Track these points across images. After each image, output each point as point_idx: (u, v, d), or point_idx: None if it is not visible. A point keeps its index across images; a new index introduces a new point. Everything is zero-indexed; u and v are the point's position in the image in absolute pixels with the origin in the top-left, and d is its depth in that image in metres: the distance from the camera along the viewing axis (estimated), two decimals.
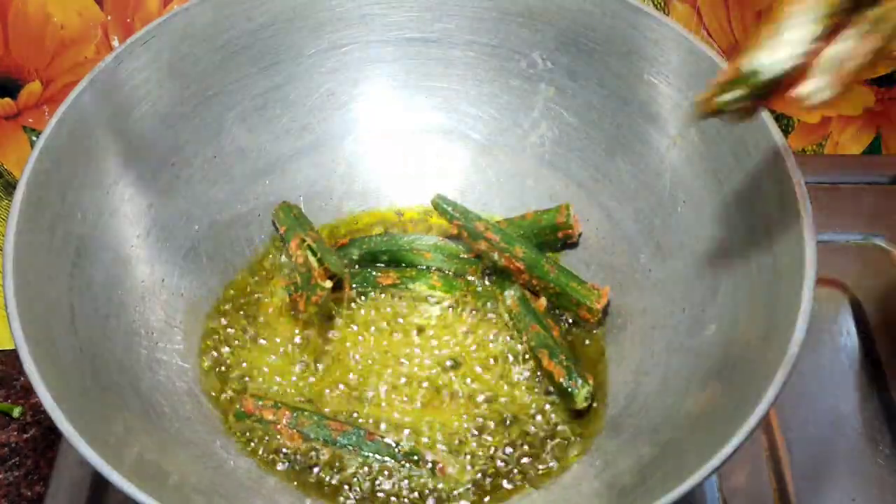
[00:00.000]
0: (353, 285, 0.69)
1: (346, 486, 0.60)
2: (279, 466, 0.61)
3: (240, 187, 0.72)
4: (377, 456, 0.61)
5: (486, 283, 0.70)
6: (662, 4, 0.82)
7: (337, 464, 0.61)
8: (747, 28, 0.84)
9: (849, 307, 0.76)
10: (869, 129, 0.92)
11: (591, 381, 0.64)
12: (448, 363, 0.66)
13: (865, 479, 0.67)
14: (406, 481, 0.60)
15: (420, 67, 0.73)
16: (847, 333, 0.75)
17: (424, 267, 0.71)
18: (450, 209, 0.69)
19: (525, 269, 0.68)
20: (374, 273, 0.70)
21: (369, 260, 0.72)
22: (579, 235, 0.72)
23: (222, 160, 0.71)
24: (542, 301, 0.69)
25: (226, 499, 0.58)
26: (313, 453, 0.62)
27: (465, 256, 0.70)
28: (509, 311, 0.68)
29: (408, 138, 0.75)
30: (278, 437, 0.62)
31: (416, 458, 0.61)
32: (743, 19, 0.83)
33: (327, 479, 0.61)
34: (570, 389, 0.63)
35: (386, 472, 0.61)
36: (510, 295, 0.68)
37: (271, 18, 0.69)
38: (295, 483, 0.61)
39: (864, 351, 0.74)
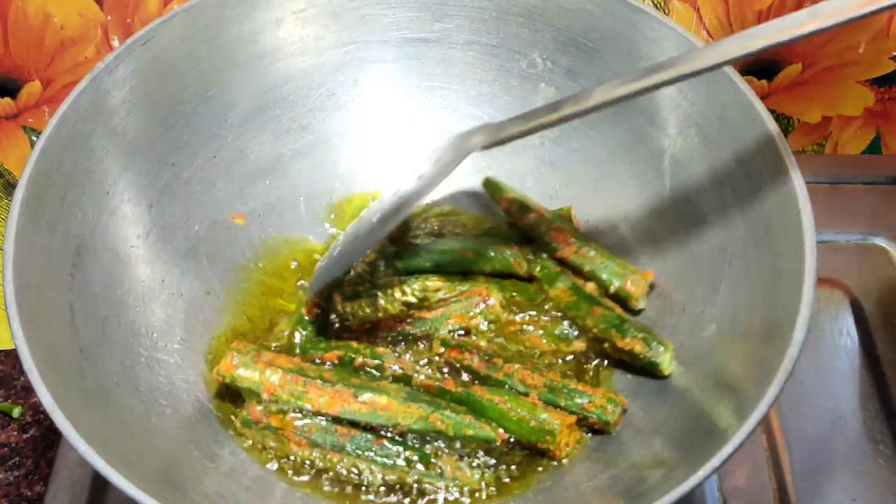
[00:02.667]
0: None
1: (357, 492, 0.60)
2: (288, 473, 0.61)
3: (240, 187, 0.72)
4: (386, 461, 0.61)
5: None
6: (662, 4, 0.82)
7: (347, 469, 0.61)
8: (747, 28, 0.84)
9: (849, 307, 0.76)
10: (869, 129, 0.92)
11: (671, 346, 0.62)
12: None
13: (865, 479, 0.67)
14: (416, 485, 0.60)
15: (420, 67, 0.73)
16: (847, 333, 0.75)
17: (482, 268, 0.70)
18: (501, 185, 0.71)
19: (573, 242, 0.68)
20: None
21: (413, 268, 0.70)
22: None
23: (222, 160, 0.71)
24: (592, 285, 0.67)
25: (227, 500, 0.58)
26: (322, 459, 0.61)
27: (469, 257, 0.70)
28: (559, 301, 0.66)
29: (408, 138, 0.75)
30: (287, 443, 0.62)
31: (424, 461, 0.60)
32: (743, 19, 0.83)
33: (337, 485, 0.61)
34: (654, 360, 0.62)
35: (394, 476, 0.61)
36: (561, 286, 0.67)
37: (271, 18, 0.69)
38: (305, 489, 0.60)
39: (864, 351, 0.74)
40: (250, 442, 0.62)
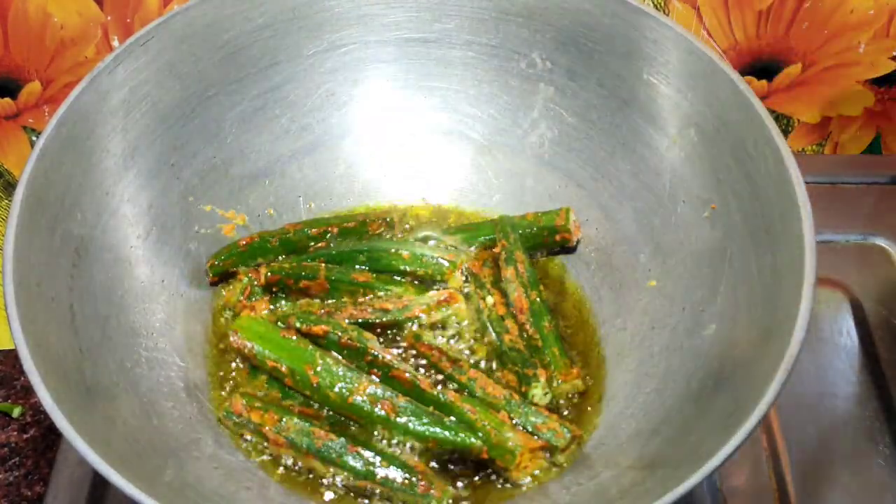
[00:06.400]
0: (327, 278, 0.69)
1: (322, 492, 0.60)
2: (279, 470, 0.61)
3: (239, 188, 0.72)
4: (358, 469, 0.60)
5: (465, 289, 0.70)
6: (662, 4, 0.82)
7: (319, 471, 0.61)
8: (747, 28, 0.84)
9: (849, 307, 0.76)
10: (869, 129, 0.92)
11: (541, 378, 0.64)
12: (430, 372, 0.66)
13: (865, 479, 0.67)
14: (386, 495, 0.60)
15: (420, 67, 0.73)
16: (847, 333, 0.75)
17: (403, 269, 0.70)
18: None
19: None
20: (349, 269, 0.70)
21: (347, 259, 0.71)
22: (577, 241, 0.71)
23: (222, 160, 0.71)
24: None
25: (227, 500, 0.58)
26: (297, 459, 0.61)
27: (445, 261, 0.70)
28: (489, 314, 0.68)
29: (407, 138, 0.75)
30: (265, 439, 0.62)
31: (396, 476, 0.59)
32: (743, 19, 0.83)
33: (308, 484, 0.60)
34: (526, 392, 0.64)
35: (364, 484, 0.60)
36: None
37: (271, 18, 0.69)
38: (291, 487, 0.60)
39: (864, 351, 0.74)
40: (228, 433, 0.62)
